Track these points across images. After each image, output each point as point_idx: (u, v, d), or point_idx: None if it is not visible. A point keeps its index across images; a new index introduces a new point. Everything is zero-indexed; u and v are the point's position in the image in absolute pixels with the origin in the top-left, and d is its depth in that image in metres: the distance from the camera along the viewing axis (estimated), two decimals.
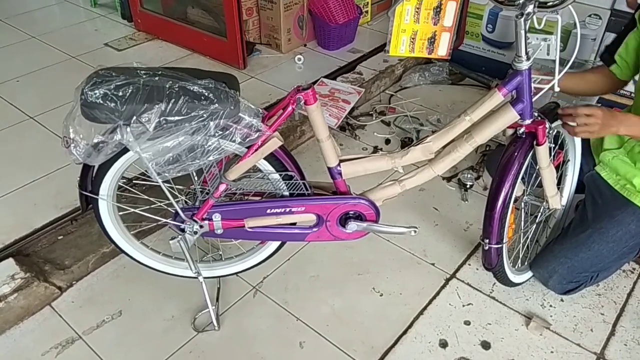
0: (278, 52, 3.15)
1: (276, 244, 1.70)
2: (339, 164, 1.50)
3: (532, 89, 1.39)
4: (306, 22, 3.15)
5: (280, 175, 1.51)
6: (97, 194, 1.47)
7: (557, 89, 1.42)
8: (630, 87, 2.55)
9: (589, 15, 2.52)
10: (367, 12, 3.46)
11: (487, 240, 1.52)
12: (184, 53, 3.16)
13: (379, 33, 3.39)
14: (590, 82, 1.75)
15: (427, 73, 2.98)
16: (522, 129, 1.45)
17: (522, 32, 1.29)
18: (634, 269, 1.90)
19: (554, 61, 1.39)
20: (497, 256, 1.55)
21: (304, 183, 1.53)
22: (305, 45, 3.24)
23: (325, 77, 2.89)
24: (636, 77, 1.71)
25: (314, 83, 2.81)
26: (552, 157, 1.57)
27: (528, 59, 1.33)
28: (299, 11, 3.08)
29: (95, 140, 1.27)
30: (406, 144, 2.51)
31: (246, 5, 3.01)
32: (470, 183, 2.24)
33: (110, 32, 3.41)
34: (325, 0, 3.03)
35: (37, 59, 3.06)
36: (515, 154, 1.45)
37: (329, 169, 1.51)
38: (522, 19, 1.27)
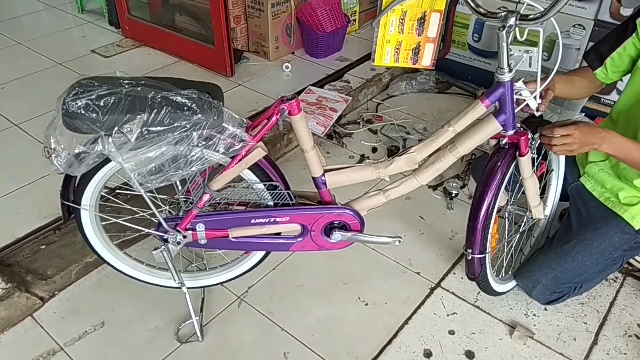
0: (266, 60, 3.16)
1: (261, 254, 1.70)
2: (323, 174, 1.50)
3: (515, 100, 1.40)
4: (294, 31, 3.16)
5: (265, 185, 1.51)
6: (80, 204, 1.46)
7: (539, 100, 1.43)
8: (614, 96, 2.60)
9: (573, 26, 2.55)
10: (355, 20, 3.48)
11: (470, 251, 1.52)
12: (171, 60, 3.15)
13: (367, 42, 3.41)
14: (579, 88, 1.72)
15: (414, 82, 3.00)
16: (505, 140, 1.46)
17: (504, 44, 1.30)
18: (617, 277, 1.91)
19: (537, 73, 1.40)
20: (480, 266, 1.55)
21: (288, 193, 1.53)
22: (293, 54, 3.25)
23: (313, 85, 2.89)
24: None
25: (299, 93, 2.82)
26: (535, 168, 1.59)
27: (510, 71, 1.34)
28: (287, 19, 3.09)
29: (77, 151, 1.26)
30: (393, 152, 2.52)
31: (234, 13, 3.02)
32: (456, 192, 2.26)
33: (97, 39, 3.40)
34: (313, 9, 3.04)
35: (23, 65, 3.04)
36: (498, 164, 1.46)
37: (314, 179, 1.51)
38: (504, 32, 1.28)
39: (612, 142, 1.46)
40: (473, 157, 2.45)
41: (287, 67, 3.07)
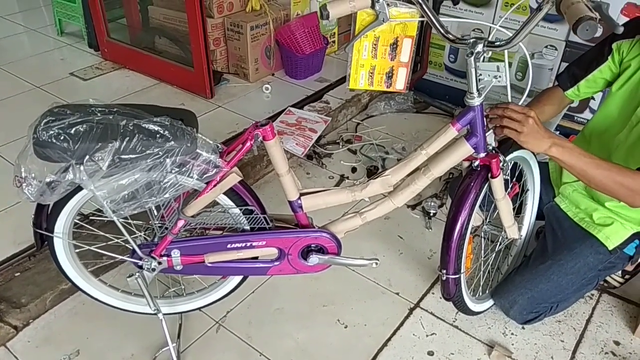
0: (246, 81, 3.18)
1: (238, 278, 1.69)
2: (299, 198, 1.51)
3: (485, 123, 1.43)
4: (273, 52, 3.19)
5: (241, 209, 1.51)
6: (52, 232, 1.45)
7: None
8: (587, 114, 2.66)
9: (545, 47, 2.61)
10: (334, 42, 3.52)
11: (444, 271, 1.53)
12: (151, 82, 3.15)
13: (346, 62, 3.42)
14: (548, 112, 1.75)
15: (392, 102, 3.04)
16: (477, 162, 1.48)
17: (473, 70, 1.33)
18: (592, 294, 1.93)
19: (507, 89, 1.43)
20: (455, 286, 1.56)
21: (264, 217, 1.53)
22: (273, 75, 3.28)
23: (293, 106, 2.91)
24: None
25: (279, 114, 2.83)
26: (509, 189, 1.61)
27: (479, 95, 1.37)
28: (266, 41, 3.12)
29: (48, 180, 1.25)
30: (372, 172, 2.54)
31: (213, 35, 3.04)
32: (434, 211, 2.27)
33: (76, 61, 3.39)
34: (291, 31, 3.07)
35: (0, 89, 3.01)
36: (471, 185, 1.48)
37: (290, 202, 1.52)
38: (472, 58, 1.31)
39: (562, 144, 1.41)
40: (451, 176, 2.48)
41: (267, 88, 3.09)
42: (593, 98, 2.61)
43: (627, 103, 1.58)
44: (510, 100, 1.44)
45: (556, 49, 2.60)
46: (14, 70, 3.25)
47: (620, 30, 1.10)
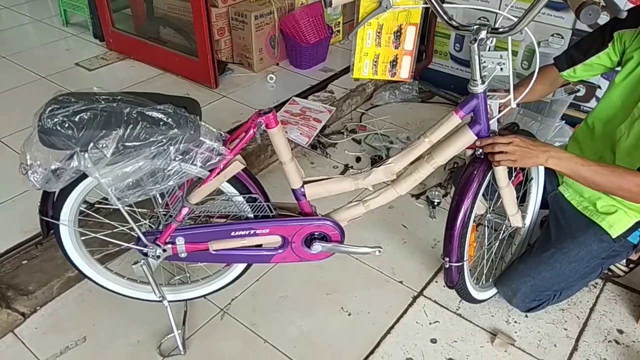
0: (250, 71, 3.18)
1: (243, 265, 1.70)
2: (302, 186, 1.52)
3: (489, 110, 1.42)
4: (278, 42, 3.19)
5: (244, 197, 1.52)
6: (58, 219, 1.46)
7: (513, 105, 1.45)
8: (593, 103, 2.64)
9: (552, 35, 2.59)
10: (338, 31, 3.51)
11: (447, 259, 1.53)
12: (155, 72, 3.16)
13: (351, 52, 3.42)
14: (537, 92, 1.75)
15: (397, 91, 3.03)
16: (480, 150, 1.47)
17: (476, 57, 1.32)
18: (596, 283, 1.93)
19: (509, 77, 1.42)
20: (457, 274, 1.57)
21: (268, 205, 1.54)
22: (277, 64, 3.27)
23: (297, 95, 2.91)
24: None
25: (283, 104, 2.83)
26: (512, 177, 1.60)
27: (483, 82, 1.36)
28: (270, 31, 3.11)
29: (53, 167, 1.26)
30: (376, 161, 2.54)
31: (217, 25, 3.04)
32: (438, 200, 2.27)
33: (81, 51, 3.40)
34: (296, 20, 3.07)
35: (6, 79, 3.03)
36: (474, 173, 1.48)
37: (293, 190, 1.52)
38: (476, 45, 1.30)
39: (557, 156, 1.43)
40: (455, 166, 2.47)
41: (271, 78, 3.08)
42: (600, 87, 2.60)
43: (629, 95, 1.57)
44: (512, 86, 1.43)
45: (562, 37, 2.57)
46: (20, 60, 3.26)
47: (624, 15, 1.09)
